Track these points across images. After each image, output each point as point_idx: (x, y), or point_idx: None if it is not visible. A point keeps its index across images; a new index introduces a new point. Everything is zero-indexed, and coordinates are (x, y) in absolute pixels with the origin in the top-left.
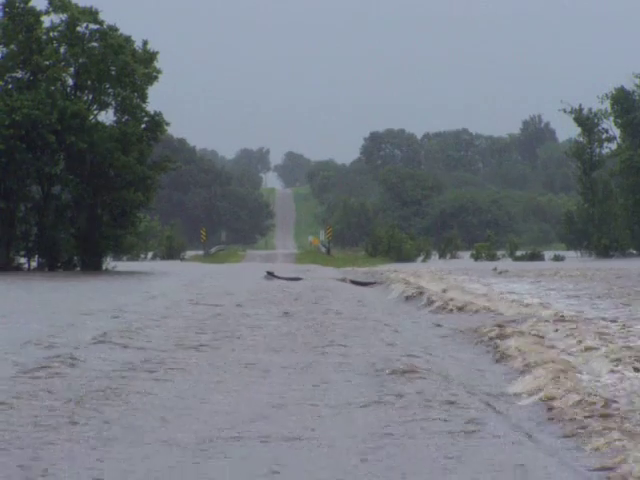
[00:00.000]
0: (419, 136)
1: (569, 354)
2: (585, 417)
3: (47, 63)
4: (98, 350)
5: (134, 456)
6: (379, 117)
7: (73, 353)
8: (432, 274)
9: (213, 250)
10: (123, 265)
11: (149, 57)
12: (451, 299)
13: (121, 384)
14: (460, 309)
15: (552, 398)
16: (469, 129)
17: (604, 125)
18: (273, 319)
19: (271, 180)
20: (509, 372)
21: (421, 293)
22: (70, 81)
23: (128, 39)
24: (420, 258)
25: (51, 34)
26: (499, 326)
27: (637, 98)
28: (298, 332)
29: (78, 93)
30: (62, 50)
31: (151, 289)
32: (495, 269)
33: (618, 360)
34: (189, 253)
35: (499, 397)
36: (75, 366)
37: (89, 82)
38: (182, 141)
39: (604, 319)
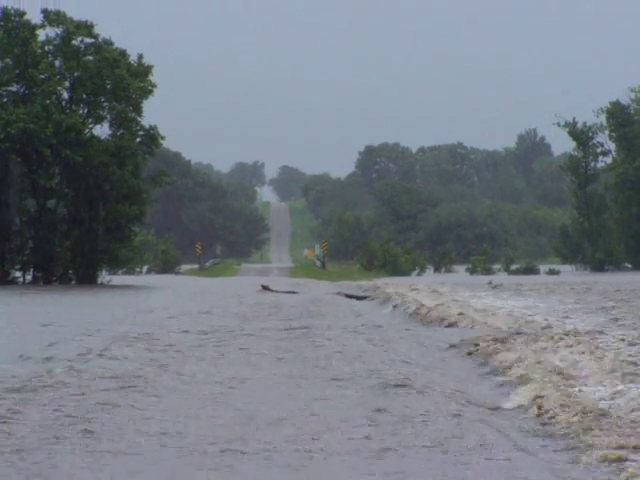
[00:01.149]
0: (414, 150)
1: (565, 367)
2: (581, 430)
3: (42, 77)
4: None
5: None
6: (374, 131)
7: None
8: (427, 288)
9: (208, 264)
10: (118, 279)
11: (144, 71)
12: (444, 312)
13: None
14: (453, 323)
15: (547, 410)
16: (464, 143)
17: (599, 139)
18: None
19: (266, 194)
20: (504, 384)
21: (415, 306)
22: (65, 95)
23: (123, 53)
24: (415, 272)
25: (46, 48)
26: (495, 339)
27: (632, 112)
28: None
29: (73, 107)
30: (57, 64)
31: (145, 305)
32: (490, 283)
33: (614, 372)
34: (184, 267)
35: (494, 409)
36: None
37: (84, 96)
38: (177, 155)
39: (600, 332)
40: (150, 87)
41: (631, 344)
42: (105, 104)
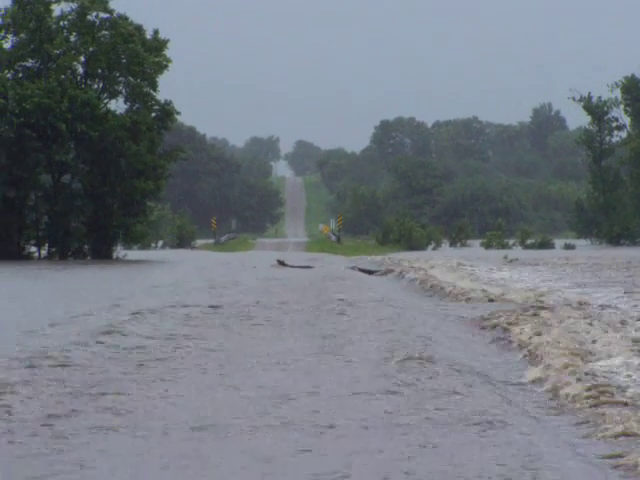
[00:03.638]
0: (429, 124)
1: (581, 341)
2: (596, 405)
3: (57, 52)
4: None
5: None
6: (389, 105)
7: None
8: (443, 262)
9: (223, 239)
10: (133, 254)
11: (159, 46)
12: (460, 287)
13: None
14: (468, 298)
15: (563, 386)
16: (479, 117)
17: (614, 113)
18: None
19: (281, 168)
20: (521, 360)
21: (431, 282)
22: (80, 70)
23: (138, 28)
24: (431, 246)
25: (61, 23)
26: (511, 314)
27: None
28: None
29: (88, 82)
30: (72, 39)
31: (167, 276)
32: (506, 257)
33: (631, 346)
34: (199, 242)
35: (511, 385)
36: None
37: (99, 71)
38: (192, 129)
39: (617, 306)
40: (165, 62)
41: None
42: (120, 79)
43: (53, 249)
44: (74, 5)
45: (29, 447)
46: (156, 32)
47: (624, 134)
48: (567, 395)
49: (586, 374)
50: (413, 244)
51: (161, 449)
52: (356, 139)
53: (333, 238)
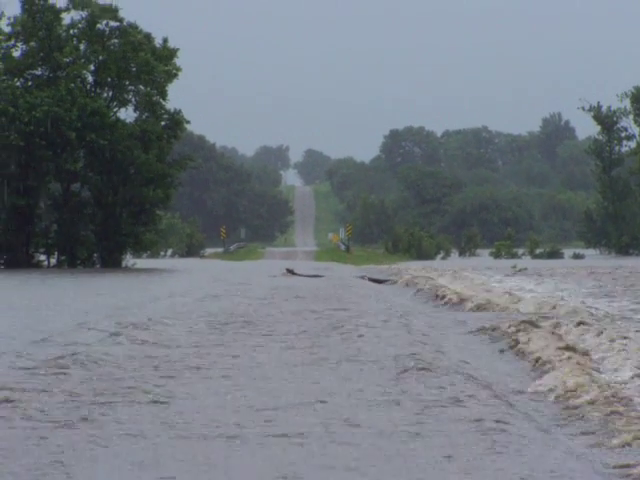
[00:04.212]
0: (439, 134)
1: (589, 351)
2: (605, 415)
3: (67, 60)
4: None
5: None
6: (398, 114)
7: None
8: (452, 272)
9: (233, 247)
10: (143, 262)
11: (169, 54)
12: (468, 296)
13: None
14: (476, 307)
15: (572, 395)
16: (489, 127)
17: (623, 123)
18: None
19: (291, 177)
20: (529, 369)
21: (441, 292)
22: (90, 78)
23: (148, 36)
24: (440, 256)
25: (71, 31)
26: (519, 323)
27: None
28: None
29: (98, 90)
30: (82, 47)
31: (177, 287)
32: (514, 267)
33: (639, 357)
34: (208, 250)
35: (519, 393)
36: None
37: (109, 79)
38: (202, 138)
39: (625, 317)
40: (175, 71)
41: None
42: (130, 88)
43: (62, 257)
44: (84, 13)
45: None
46: (165, 40)
47: (633, 144)
48: (576, 404)
49: (595, 384)
50: (422, 253)
51: None
52: (366, 148)
53: (342, 247)
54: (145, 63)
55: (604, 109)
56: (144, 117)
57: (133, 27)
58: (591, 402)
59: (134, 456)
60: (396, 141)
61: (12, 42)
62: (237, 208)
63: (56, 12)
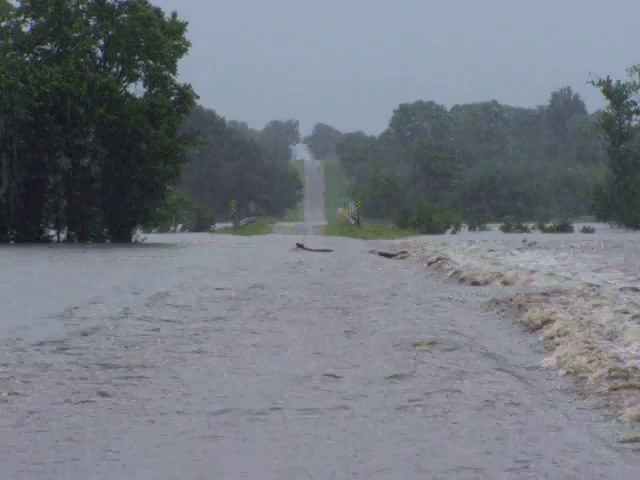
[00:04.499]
0: (448, 108)
1: (600, 325)
2: (614, 389)
3: (76, 35)
4: None
5: None
6: (408, 89)
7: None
8: (462, 246)
9: (242, 222)
10: (153, 237)
11: (178, 29)
12: (478, 271)
13: None
14: (487, 282)
15: (581, 369)
16: (498, 101)
17: (633, 97)
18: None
19: (300, 152)
20: (538, 343)
21: (451, 266)
22: (99, 53)
23: (158, 11)
24: (450, 230)
25: (80, 6)
26: (529, 298)
27: None
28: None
29: (107, 65)
30: (91, 22)
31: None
32: (524, 241)
33: None
34: (218, 225)
35: (531, 368)
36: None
37: (118, 54)
38: (211, 113)
39: (635, 290)
40: (184, 45)
41: None
42: (139, 62)
43: (72, 232)
44: None
45: None
46: (174, 15)
47: None
48: (586, 378)
49: (605, 358)
50: (432, 228)
51: None
52: (375, 123)
53: (352, 221)
54: (154, 38)
55: (613, 83)
56: (154, 92)
57: (142, 2)
58: (602, 377)
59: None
60: (406, 115)
61: (22, 17)
62: (247, 183)
63: None
